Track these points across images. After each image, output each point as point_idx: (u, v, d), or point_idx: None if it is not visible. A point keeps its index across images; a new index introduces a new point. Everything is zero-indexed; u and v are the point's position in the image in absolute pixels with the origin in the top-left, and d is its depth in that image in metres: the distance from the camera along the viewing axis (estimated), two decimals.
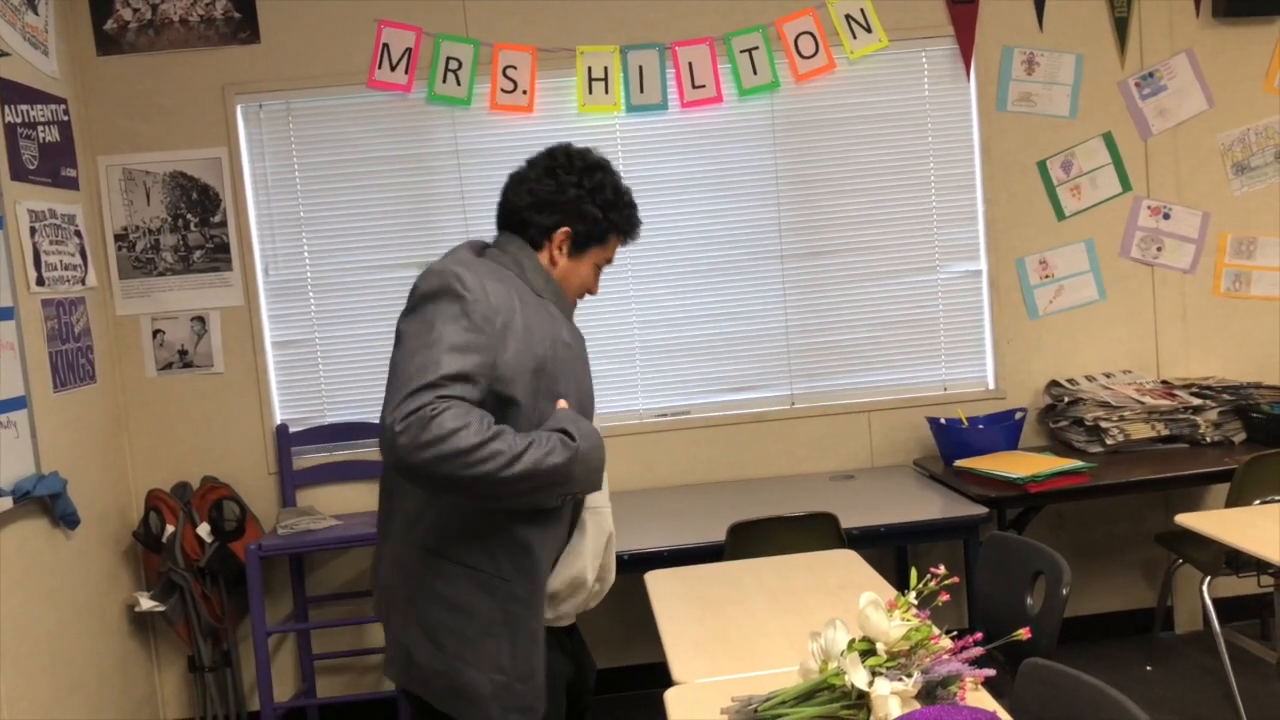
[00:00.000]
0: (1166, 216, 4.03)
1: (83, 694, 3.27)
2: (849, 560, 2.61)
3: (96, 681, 3.38)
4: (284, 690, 3.91)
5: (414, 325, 1.79)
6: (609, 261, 2.08)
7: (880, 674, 1.58)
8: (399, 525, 1.94)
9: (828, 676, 1.61)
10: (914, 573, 1.79)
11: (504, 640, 1.87)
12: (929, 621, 1.65)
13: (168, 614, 3.58)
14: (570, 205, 1.97)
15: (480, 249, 2.01)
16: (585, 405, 1.97)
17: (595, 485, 1.89)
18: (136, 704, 3.66)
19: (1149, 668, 3.82)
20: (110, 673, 3.49)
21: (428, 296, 1.80)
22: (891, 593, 2.04)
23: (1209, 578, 3.38)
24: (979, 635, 1.66)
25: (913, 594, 1.70)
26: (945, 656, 1.62)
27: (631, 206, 2.04)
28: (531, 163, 2.02)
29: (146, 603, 3.55)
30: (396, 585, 1.94)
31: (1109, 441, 3.68)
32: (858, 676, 1.56)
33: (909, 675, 1.57)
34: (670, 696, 1.87)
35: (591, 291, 2.08)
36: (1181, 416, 3.71)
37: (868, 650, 1.62)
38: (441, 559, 1.88)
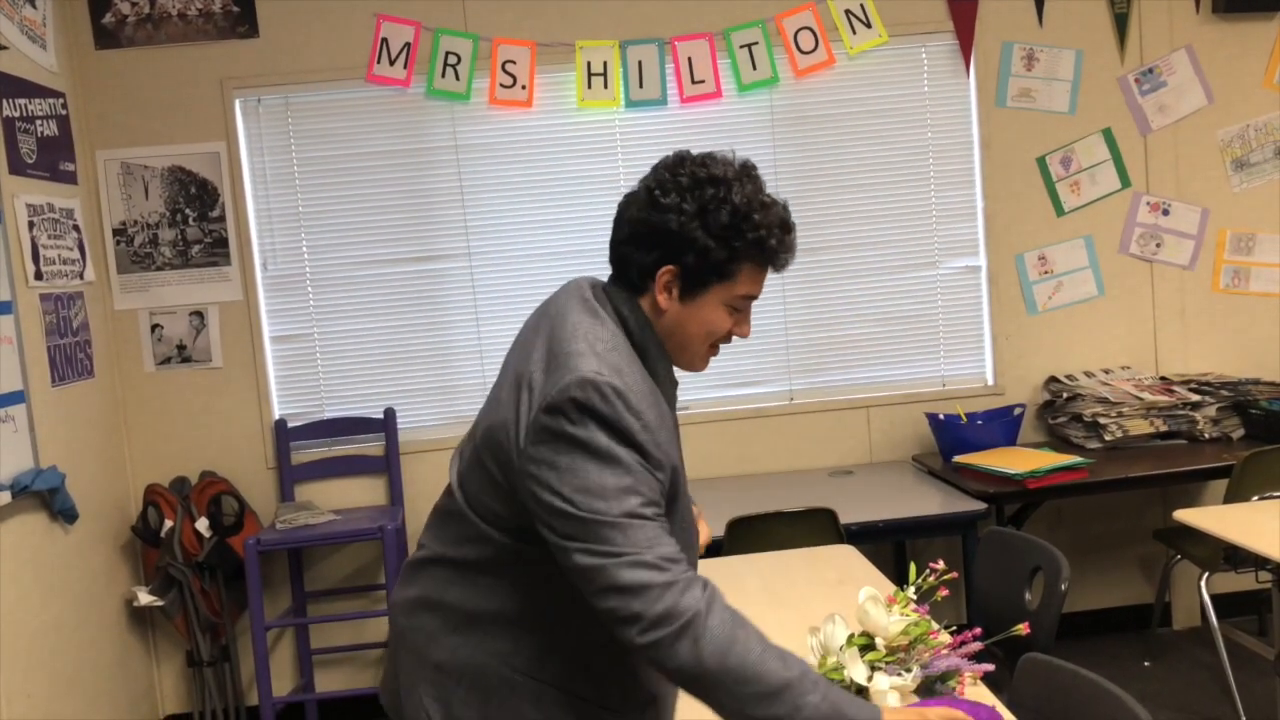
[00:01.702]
0: (1166, 213, 4.02)
1: (81, 688, 3.27)
2: (848, 556, 2.61)
3: (95, 676, 3.38)
4: (282, 685, 3.91)
5: (589, 448, 1.39)
6: (752, 296, 1.56)
7: (879, 669, 1.58)
8: (482, 627, 1.53)
9: (827, 671, 1.61)
10: (913, 568, 1.79)
11: None
12: (928, 617, 1.66)
13: (166, 608, 3.58)
14: (674, 235, 1.48)
15: (593, 294, 1.55)
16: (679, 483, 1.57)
17: None
18: (135, 698, 3.66)
19: (1147, 663, 3.82)
20: (109, 667, 3.48)
21: (602, 421, 1.39)
22: (890, 588, 2.05)
23: (1207, 574, 3.39)
24: (978, 630, 1.67)
25: (911, 589, 1.70)
26: (944, 651, 1.62)
27: (765, 225, 1.53)
28: (644, 179, 1.56)
29: (145, 597, 3.55)
30: (457, 691, 1.55)
31: (1107, 437, 3.68)
32: (857, 671, 1.56)
33: (908, 670, 1.57)
34: None
35: (740, 334, 1.58)
36: (1180, 412, 3.71)
37: (867, 645, 1.62)
38: (539, 683, 1.51)
